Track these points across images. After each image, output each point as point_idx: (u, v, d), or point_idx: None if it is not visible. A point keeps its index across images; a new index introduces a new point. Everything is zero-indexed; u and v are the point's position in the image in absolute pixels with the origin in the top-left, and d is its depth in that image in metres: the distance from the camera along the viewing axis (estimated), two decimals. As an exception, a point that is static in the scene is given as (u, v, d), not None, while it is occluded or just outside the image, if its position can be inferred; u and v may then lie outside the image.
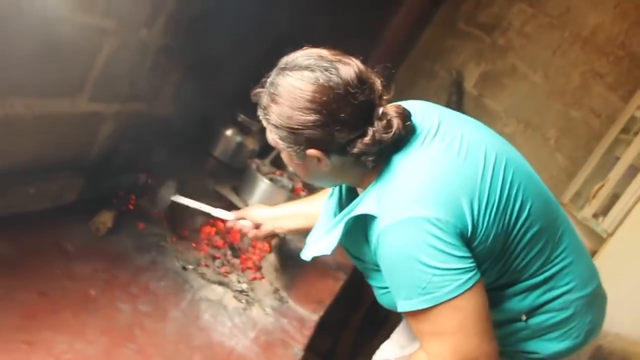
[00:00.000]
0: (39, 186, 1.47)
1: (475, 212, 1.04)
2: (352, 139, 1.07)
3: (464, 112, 2.56)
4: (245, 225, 1.71)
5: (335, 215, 1.26)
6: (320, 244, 1.22)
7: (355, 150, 1.07)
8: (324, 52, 1.08)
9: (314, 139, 1.07)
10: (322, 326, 1.85)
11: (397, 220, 1.02)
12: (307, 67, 1.05)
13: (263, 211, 1.70)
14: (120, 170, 1.75)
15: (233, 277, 1.75)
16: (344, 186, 1.32)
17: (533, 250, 1.14)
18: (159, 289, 1.51)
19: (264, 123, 1.14)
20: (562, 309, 1.20)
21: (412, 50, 2.81)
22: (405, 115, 1.10)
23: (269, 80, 1.11)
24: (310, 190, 2.11)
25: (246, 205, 2.00)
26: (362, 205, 1.10)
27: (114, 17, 1.42)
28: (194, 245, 1.80)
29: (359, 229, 1.12)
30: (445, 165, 1.07)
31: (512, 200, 1.09)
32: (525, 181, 1.13)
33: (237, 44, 1.91)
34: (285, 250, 1.86)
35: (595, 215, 2.51)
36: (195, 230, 1.87)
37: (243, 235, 1.76)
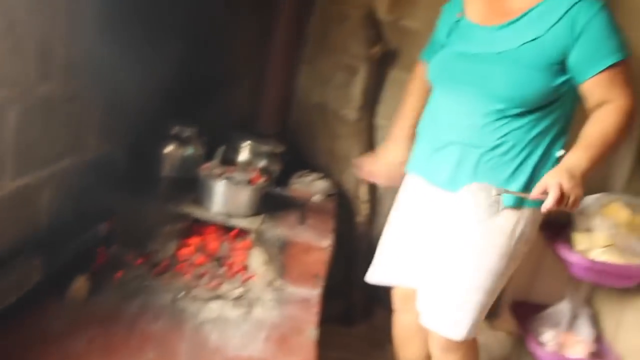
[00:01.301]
0: (-2, 283, 1.40)
1: None
2: None
3: (385, 43, 2.51)
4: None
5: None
6: None
7: None
8: None
9: None
10: (329, 293, 1.85)
11: None
12: None
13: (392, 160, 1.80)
14: (77, 230, 1.69)
15: (226, 287, 1.73)
16: None
17: None
18: (159, 329, 1.49)
19: None
20: None
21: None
22: None
23: None
24: (267, 174, 2.05)
25: (210, 214, 1.91)
26: None
27: (7, 83, 1.35)
28: (177, 271, 1.78)
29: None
30: None
31: None
32: None
33: (144, 60, 1.82)
34: (266, 240, 1.84)
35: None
36: (173, 256, 1.84)
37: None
